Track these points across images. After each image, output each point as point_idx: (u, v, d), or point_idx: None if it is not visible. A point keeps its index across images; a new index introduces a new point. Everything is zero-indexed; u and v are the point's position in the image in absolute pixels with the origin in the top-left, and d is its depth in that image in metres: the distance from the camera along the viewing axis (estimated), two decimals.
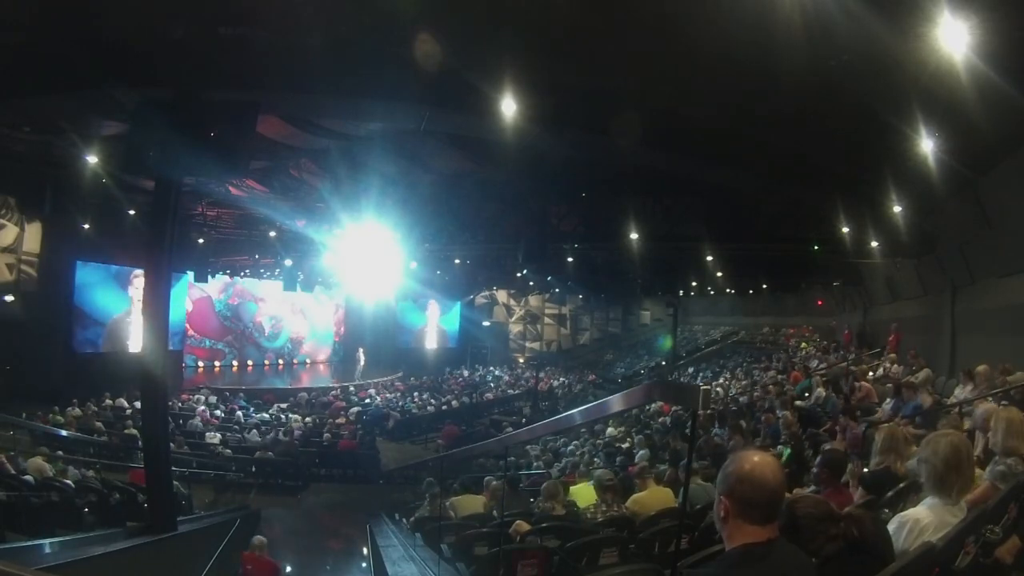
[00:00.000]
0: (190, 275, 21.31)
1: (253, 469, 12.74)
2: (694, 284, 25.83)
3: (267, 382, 24.61)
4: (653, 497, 4.80)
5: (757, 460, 1.59)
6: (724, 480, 1.61)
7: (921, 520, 2.13)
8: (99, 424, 12.78)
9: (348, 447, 14.33)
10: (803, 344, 20.14)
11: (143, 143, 6.41)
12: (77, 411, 13.21)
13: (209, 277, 21.90)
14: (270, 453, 13.03)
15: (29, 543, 5.58)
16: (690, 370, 26.24)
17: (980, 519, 2.06)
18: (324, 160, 13.02)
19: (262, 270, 25.94)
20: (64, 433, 10.67)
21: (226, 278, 25.96)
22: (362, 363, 27.43)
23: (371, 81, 7.21)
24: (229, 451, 13.01)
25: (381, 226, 16.14)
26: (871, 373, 11.28)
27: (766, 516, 1.53)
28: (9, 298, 14.97)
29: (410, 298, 31.31)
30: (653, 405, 12.25)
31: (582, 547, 3.95)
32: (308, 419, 16.45)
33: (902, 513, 2.24)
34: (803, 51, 5.27)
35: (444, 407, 21.09)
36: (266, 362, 29.09)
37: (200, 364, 26.20)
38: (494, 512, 5.91)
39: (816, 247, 13.72)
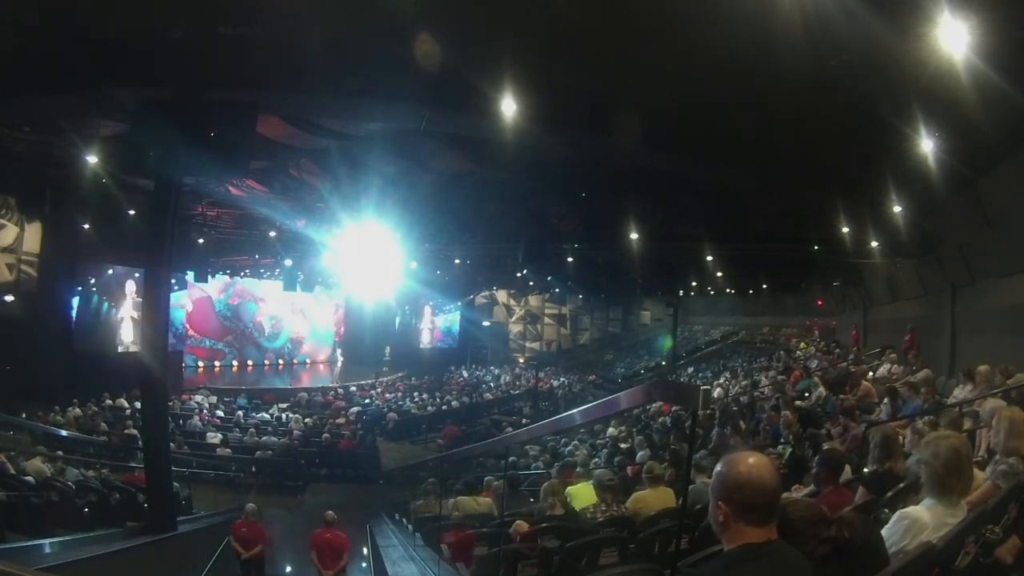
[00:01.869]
0: (190, 275, 21.32)
1: (253, 469, 12.74)
2: (694, 284, 25.84)
3: (267, 382, 24.63)
4: (654, 496, 4.80)
5: (753, 462, 1.56)
6: (721, 485, 1.58)
7: (921, 520, 2.13)
8: (102, 424, 12.79)
9: (348, 447, 14.33)
10: (802, 344, 20.09)
11: (143, 143, 6.42)
12: (77, 411, 13.21)
13: (209, 277, 21.92)
14: (270, 453, 13.03)
15: (29, 543, 5.58)
16: (690, 370, 26.26)
17: (980, 519, 2.06)
18: (324, 160, 13.01)
19: (262, 270, 25.95)
20: (64, 433, 10.68)
21: (226, 278, 25.97)
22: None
23: (371, 81, 7.21)
24: (229, 451, 13.02)
25: (381, 226, 16.13)
26: (871, 373, 11.27)
27: (765, 517, 1.53)
28: (9, 298, 14.95)
29: (410, 298, 31.39)
30: (653, 405, 12.25)
31: (582, 547, 3.95)
32: (308, 419, 16.45)
33: (903, 510, 2.23)
34: (803, 51, 5.27)
35: (444, 407, 21.10)
36: (266, 362, 29.12)
37: (200, 364, 26.22)
38: (494, 511, 5.92)
39: (816, 247, 13.72)
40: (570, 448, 11.24)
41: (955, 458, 2.20)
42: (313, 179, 14.41)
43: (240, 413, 16.51)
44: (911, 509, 2.21)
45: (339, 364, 27.90)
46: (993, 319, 10.09)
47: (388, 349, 31.30)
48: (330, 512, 7.27)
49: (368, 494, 12.88)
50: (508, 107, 6.71)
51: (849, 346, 16.88)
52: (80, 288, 17.64)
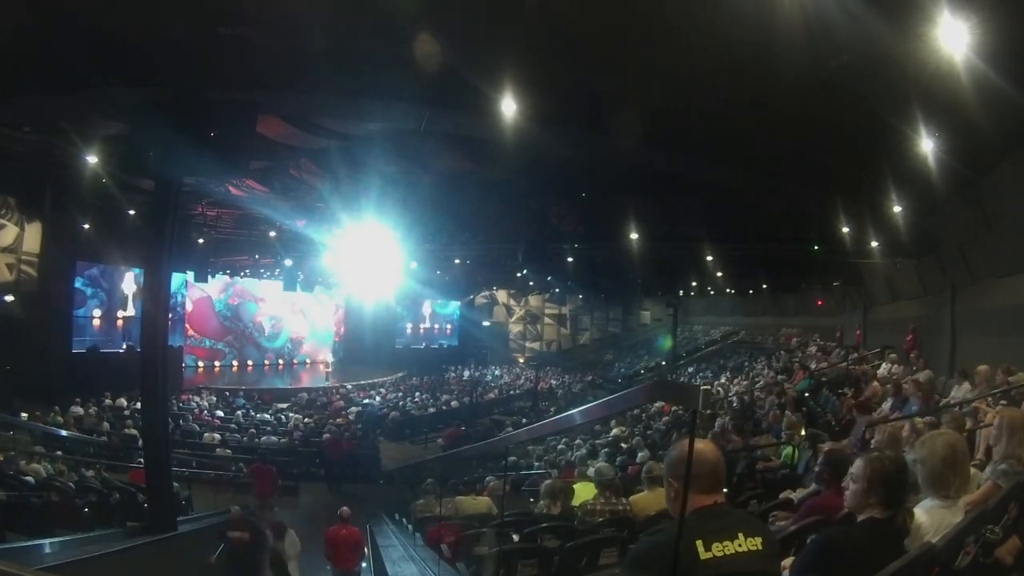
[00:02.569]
0: (190, 275, 21.33)
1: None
2: (694, 284, 25.84)
3: (267, 382, 24.63)
4: (653, 498, 4.79)
5: (697, 444, 1.80)
6: (670, 465, 1.90)
7: (920, 523, 2.13)
8: (105, 424, 12.80)
9: (348, 447, 14.34)
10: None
11: (143, 143, 6.42)
12: (78, 410, 13.21)
13: (209, 277, 21.92)
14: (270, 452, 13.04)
15: (29, 543, 5.58)
16: (690, 370, 26.26)
17: (980, 519, 2.06)
18: (324, 160, 13.01)
19: (262, 270, 25.97)
20: (64, 433, 10.67)
21: (226, 278, 25.99)
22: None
23: (371, 81, 7.20)
24: (229, 451, 13.02)
25: (381, 226, 16.14)
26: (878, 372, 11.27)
27: (711, 486, 1.78)
28: (9, 298, 14.95)
29: (410, 298, 31.42)
30: (653, 405, 12.25)
31: (582, 547, 3.96)
32: (308, 420, 16.46)
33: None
34: (803, 51, 5.27)
35: (444, 407, 21.11)
36: (266, 362, 29.11)
37: (200, 364, 26.22)
38: (493, 511, 5.93)
39: (816, 247, 13.72)
40: (575, 445, 11.24)
41: (951, 454, 2.22)
42: (313, 179, 14.41)
43: (240, 413, 16.52)
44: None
45: (330, 364, 28.17)
46: (993, 319, 10.09)
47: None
48: (345, 508, 7.31)
49: (368, 494, 12.88)
50: (508, 107, 6.71)
51: (855, 346, 16.85)
52: None
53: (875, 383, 9.73)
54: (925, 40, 4.73)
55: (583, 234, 16.51)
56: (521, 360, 36.55)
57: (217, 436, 13.61)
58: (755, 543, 1.71)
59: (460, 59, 6.55)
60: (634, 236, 13.95)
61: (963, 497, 2.24)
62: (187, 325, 24.72)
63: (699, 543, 1.64)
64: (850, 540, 1.96)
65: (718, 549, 1.66)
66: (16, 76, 6.72)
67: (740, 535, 1.71)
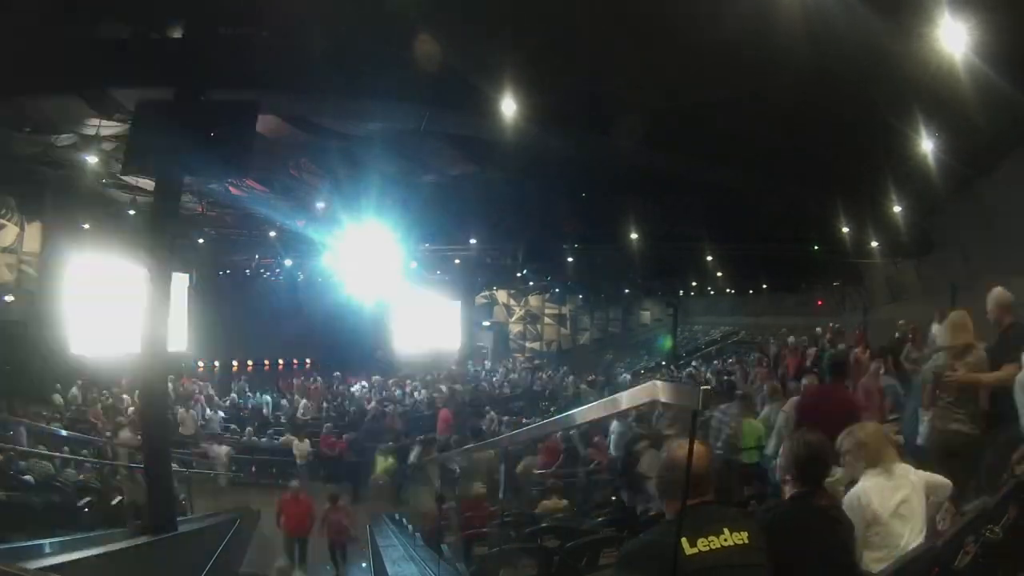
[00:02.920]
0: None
1: (253, 469, 12.74)
2: (694, 284, 25.86)
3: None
4: None
5: (684, 447, 1.86)
6: (659, 466, 1.98)
7: (867, 493, 2.28)
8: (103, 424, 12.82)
9: (347, 446, 14.30)
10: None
11: (144, 143, 6.42)
12: (74, 392, 13.31)
13: None
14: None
15: (29, 543, 5.57)
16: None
17: (980, 519, 2.07)
18: (324, 160, 13.02)
19: (262, 270, 25.94)
20: (64, 433, 10.66)
21: None
22: None
23: (371, 81, 7.21)
24: (230, 451, 13.00)
25: (381, 226, 16.13)
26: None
27: (697, 491, 1.80)
28: (9, 298, 14.94)
29: (409, 298, 31.35)
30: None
31: (582, 547, 3.96)
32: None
33: (847, 494, 2.37)
34: (804, 53, 5.28)
35: (441, 405, 21.05)
36: (266, 362, 29.07)
37: (200, 363, 26.18)
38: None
39: (816, 247, 13.74)
40: None
41: (879, 433, 2.51)
42: (313, 179, 14.42)
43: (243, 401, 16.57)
44: (853, 489, 2.35)
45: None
46: None
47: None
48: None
49: (368, 494, 12.85)
50: (508, 107, 6.72)
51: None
52: None
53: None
54: (925, 40, 4.74)
55: (583, 234, 16.51)
56: (521, 360, 36.52)
57: (218, 434, 13.59)
58: (741, 537, 1.76)
59: (460, 59, 6.57)
60: (634, 236, 13.96)
61: (896, 465, 2.39)
62: None
63: (684, 540, 1.69)
64: (779, 514, 2.08)
65: (703, 544, 1.71)
66: (16, 76, 6.73)
67: (726, 530, 1.76)
